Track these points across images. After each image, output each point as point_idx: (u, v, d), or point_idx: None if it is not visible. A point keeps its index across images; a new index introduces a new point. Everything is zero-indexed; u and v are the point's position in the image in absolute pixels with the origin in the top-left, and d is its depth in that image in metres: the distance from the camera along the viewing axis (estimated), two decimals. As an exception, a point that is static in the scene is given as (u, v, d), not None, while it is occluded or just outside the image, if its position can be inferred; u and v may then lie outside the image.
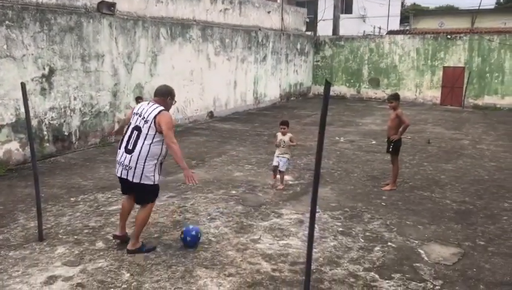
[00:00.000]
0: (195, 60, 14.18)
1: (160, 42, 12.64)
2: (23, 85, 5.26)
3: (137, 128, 4.82)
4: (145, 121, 4.80)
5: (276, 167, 7.73)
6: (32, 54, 9.11)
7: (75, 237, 5.52)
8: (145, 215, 5.05)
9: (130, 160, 4.78)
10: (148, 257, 4.97)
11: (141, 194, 4.99)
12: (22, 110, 8.58)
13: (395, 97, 7.81)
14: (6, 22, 8.58)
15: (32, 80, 9.12)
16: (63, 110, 9.89)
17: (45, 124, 9.54)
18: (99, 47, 10.65)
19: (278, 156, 7.71)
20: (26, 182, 7.69)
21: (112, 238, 5.36)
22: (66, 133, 10.04)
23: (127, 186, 5.02)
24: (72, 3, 9.96)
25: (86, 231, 5.71)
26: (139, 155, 4.75)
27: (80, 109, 10.30)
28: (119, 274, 4.60)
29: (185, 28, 13.62)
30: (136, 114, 4.91)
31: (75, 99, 10.14)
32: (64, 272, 4.63)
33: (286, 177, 8.21)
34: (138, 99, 10.50)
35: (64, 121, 9.97)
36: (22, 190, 7.37)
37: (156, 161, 4.85)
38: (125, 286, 4.37)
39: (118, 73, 11.27)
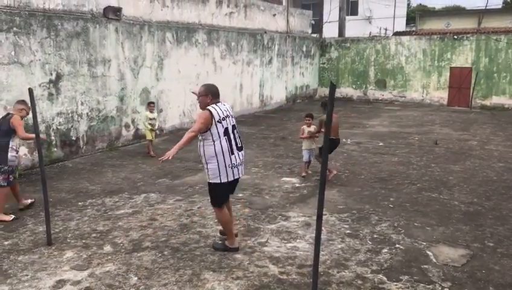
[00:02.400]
0: (201, 64, 14.22)
1: (166, 46, 12.69)
2: (30, 91, 5.32)
3: (235, 127, 5.21)
4: (235, 119, 5.31)
5: (308, 161, 8.52)
6: (40, 60, 9.18)
7: (83, 241, 5.55)
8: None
9: (243, 155, 5.25)
10: (156, 261, 4.98)
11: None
12: (30, 115, 8.63)
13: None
14: (14, 29, 8.66)
15: (39, 85, 9.19)
16: (70, 115, 9.95)
17: (53, 129, 9.60)
18: (105, 52, 10.71)
19: (308, 150, 8.46)
20: (35, 187, 7.75)
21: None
22: (73, 138, 10.10)
23: (233, 188, 5.31)
24: (79, 8, 10.04)
25: (93, 235, 5.74)
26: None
27: (87, 113, 10.36)
28: (127, 278, 4.61)
29: (190, 32, 13.66)
30: (227, 117, 5.09)
31: (82, 104, 10.20)
32: (73, 276, 4.65)
33: (293, 180, 8.27)
34: (150, 104, 10.57)
35: (72, 126, 10.03)
36: (30, 194, 7.40)
37: None
38: (133, 289, 4.38)
39: (124, 78, 11.32)
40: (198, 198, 7.19)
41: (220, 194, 5.11)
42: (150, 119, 10.33)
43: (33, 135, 5.98)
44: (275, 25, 18.93)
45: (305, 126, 8.49)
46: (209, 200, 5.29)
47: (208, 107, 5.03)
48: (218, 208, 5.15)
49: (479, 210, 6.78)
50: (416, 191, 7.70)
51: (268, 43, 18.30)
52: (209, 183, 5.10)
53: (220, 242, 5.40)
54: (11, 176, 6.29)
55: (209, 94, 5.16)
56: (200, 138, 5.04)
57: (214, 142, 4.94)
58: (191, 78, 13.78)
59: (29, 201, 6.77)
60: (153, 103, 10.79)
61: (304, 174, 8.50)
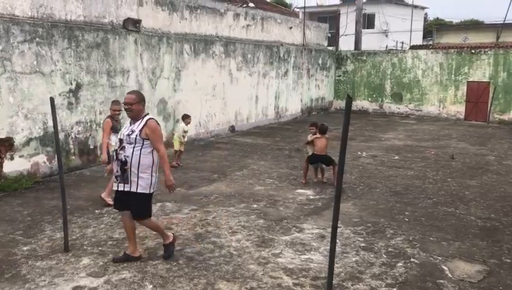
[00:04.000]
0: (217, 76, 14.36)
1: (183, 58, 12.86)
2: (52, 100, 5.44)
3: None
4: None
5: (319, 168, 9.14)
6: (60, 70, 9.38)
7: (100, 248, 5.62)
8: None
9: None
10: (171, 269, 5.02)
11: None
12: (50, 124, 8.84)
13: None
14: (37, 39, 8.88)
15: (59, 94, 9.37)
16: (88, 124, 10.11)
17: (71, 137, 9.76)
18: (124, 63, 10.90)
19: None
20: (53, 194, 7.87)
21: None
22: (91, 147, 10.24)
23: None
24: (99, 20, 10.25)
25: (110, 242, 5.81)
26: None
27: (105, 123, 10.50)
28: (143, 286, 4.66)
29: (208, 44, 13.83)
30: None
31: (100, 113, 10.36)
32: (89, 282, 4.72)
33: (307, 192, 8.28)
34: (189, 117, 10.56)
35: (90, 135, 10.19)
36: (49, 201, 7.54)
37: None
38: (148, 297, 4.43)
39: (142, 88, 11.48)
40: (213, 208, 7.23)
41: (150, 204, 5.14)
42: (185, 131, 10.42)
43: (105, 145, 7.20)
44: (291, 37, 19.04)
45: (310, 135, 9.16)
46: (137, 215, 5.04)
47: (154, 118, 5.03)
48: (148, 218, 5.14)
49: (496, 226, 6.70)
50: (432, 206, 7.64)
51: (285, 55, 18.40)
52: (138, 194, 4.93)
53: (166, 250, 5.35)
54: None
55: (142, 101, 5.01)
56: (135, 145, 4.87)
57: (152, 152, 4.96)
58: (208, 89, 13.92)
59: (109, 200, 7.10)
60: (189, 116, 10.72)
61: (316, 179, 9.07)
